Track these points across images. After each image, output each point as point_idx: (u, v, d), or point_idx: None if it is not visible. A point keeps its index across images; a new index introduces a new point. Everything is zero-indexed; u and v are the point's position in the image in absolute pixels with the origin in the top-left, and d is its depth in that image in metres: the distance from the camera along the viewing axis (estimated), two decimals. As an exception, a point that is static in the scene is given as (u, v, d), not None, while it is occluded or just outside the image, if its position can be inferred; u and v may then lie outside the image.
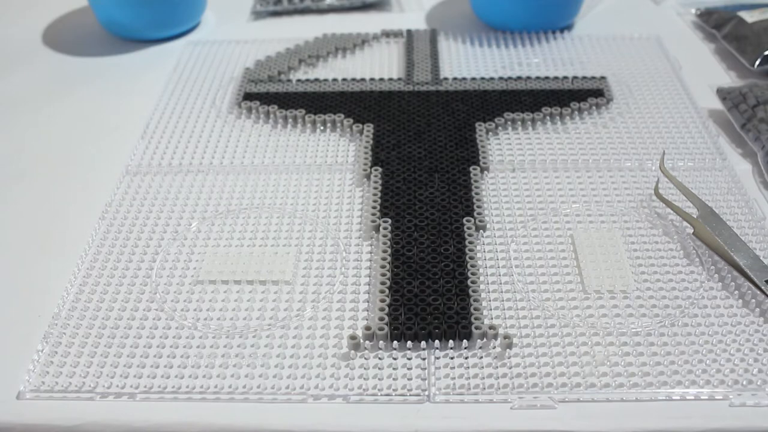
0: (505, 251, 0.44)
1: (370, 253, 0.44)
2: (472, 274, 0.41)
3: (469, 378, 0.37)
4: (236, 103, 0.58)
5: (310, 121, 0.56)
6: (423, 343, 0.38)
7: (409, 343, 0.38)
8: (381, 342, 0.38)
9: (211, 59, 0.65)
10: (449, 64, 0.63)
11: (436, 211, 0.46)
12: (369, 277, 0.43)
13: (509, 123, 0.55)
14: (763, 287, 0.40)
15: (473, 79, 0.60)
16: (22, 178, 0.52)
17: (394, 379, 0.37)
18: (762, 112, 0.52)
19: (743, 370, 0.37)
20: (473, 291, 0.40)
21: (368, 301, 0.41)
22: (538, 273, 0.42)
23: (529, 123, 0.55)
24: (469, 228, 0.45)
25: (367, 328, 0.38)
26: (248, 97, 0.59)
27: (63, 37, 0.70)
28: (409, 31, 0.68)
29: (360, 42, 0.67)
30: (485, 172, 0.50)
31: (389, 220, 0.45)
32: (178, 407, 0.36)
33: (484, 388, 0.36)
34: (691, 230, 0.45)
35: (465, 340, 0.38)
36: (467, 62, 0.64)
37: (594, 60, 0.63)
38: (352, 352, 0.38)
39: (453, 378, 0.37)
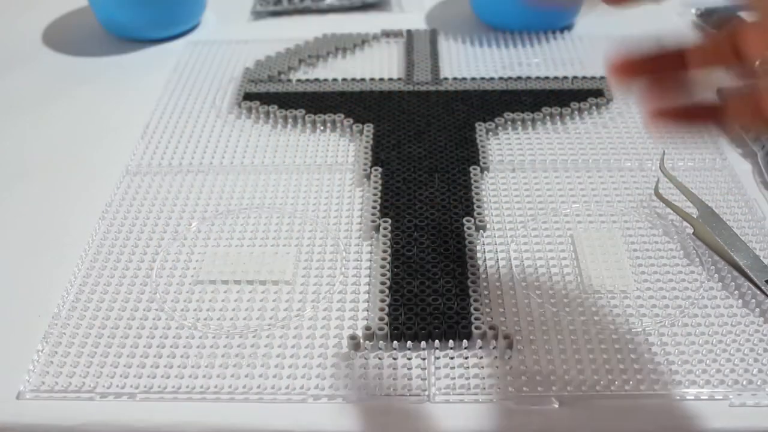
0: (505, 251, 0.44)
1: (370, 253, 0.44)
2: (472, 274, 0.41)
3: (469, 378, 0.37)
4: (236, 103, 0.58)
5: (310, 121, 0.56)
6: (423, 343, 0.38)
7: (409, 343, 0.38)
8: (381, 342, 0.38)
9: (211, 59, 0.65)
10: (449, 64, 0.63)
11: (436, 211, 0.46)
12: (369, 277, 0.43)
13: (509, 123, 0.55)
14: (763, 287, 0.40)
15: (473, 79, 0.60)
16: (22, 178, 0.52)
17: (394, 379, 0.37)
18: (762, 112, 0.52)
19: (743, 370, 0.37)
20: (473, 291, 0.40)
21: (368, 301, 0.41)
22: (538, 273, 0.42)
23: (529, 123, 0.55)
24: (469, 228, 0.45)
25: (367, 328, 0.38)
26: (248, 97, 0.59)
27: (63, 37, 0.70)
28: (409, 31, 0.68)
29: (360, 42, 0.67)
30: (485, 172, 0.50)
31: (389, 220, 0.45)
32: (178, 407, 0.36)
33: (484, 388, 0.36)
34: (691, 230, 0.45)
35: (465, 340, 0.38)
36: (467, 62, 0.64)
37: (594, 60, 0.63)
38: (352, 352, 0.38)
39: (453, 378, 0.37)
